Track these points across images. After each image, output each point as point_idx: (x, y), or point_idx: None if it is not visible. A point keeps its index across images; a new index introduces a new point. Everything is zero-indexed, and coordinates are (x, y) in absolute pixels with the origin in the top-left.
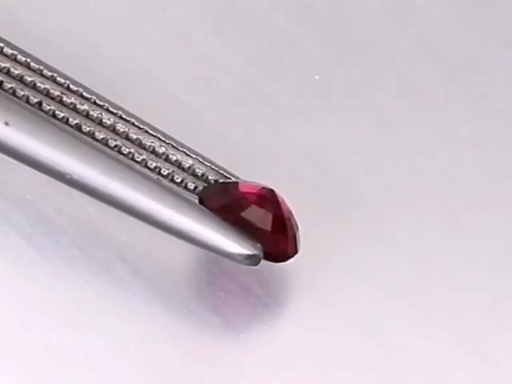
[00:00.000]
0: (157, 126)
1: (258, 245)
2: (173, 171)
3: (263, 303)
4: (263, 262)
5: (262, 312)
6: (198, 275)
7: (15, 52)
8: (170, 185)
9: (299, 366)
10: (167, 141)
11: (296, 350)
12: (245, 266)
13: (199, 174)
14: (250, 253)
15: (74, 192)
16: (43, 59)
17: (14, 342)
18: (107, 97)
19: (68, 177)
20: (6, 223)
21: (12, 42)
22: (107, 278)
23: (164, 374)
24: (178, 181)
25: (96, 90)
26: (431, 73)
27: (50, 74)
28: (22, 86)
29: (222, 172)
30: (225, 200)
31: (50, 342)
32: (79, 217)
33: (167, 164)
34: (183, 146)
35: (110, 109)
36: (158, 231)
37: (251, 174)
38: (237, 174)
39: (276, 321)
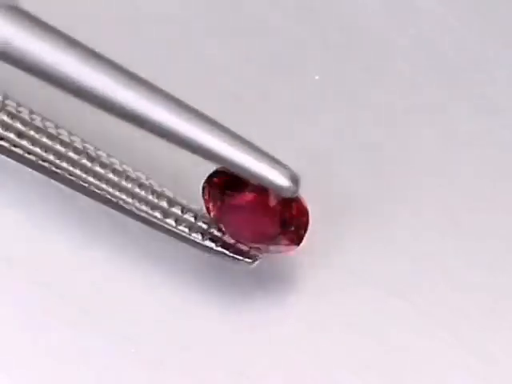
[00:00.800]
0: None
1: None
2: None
3: (263, 303)
4: (263, 263)
5: (262, 312)
6: (198, 276)
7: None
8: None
9: (299, 366)
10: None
11: (296, 350)
12: (244, 265)
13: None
14: (289, 183)
15: (75, 193)
16: None
17: (14, 342)
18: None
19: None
20: (5, 223)
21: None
22: (107, 278)
23: (164, 375)
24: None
25: None
26: (431, 73)
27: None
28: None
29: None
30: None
31: (50, 342)
32: (79, 219)
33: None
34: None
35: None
36: (157, 233)
37: None
38: None
39: (276, 321)
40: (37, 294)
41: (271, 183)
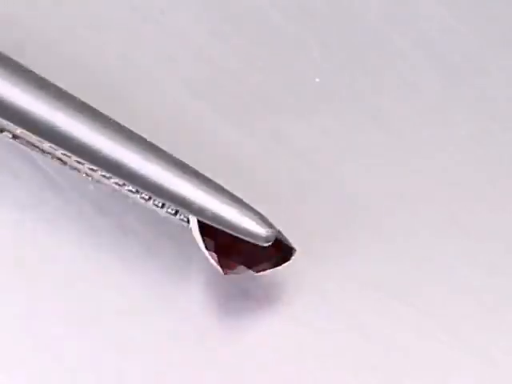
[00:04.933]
0: (156, 128)
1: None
2: None
3: (263, 305)
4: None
5: (262, 314)
6: (198, 278)
7: None
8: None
9: (300, 367)
10: None
11: (296, 351)
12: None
13: None
14: (267, 233)
15: (75, 194)
16: (43, 61)
17: (14, 342)
18: (107, 99)
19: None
20: (6, 225)
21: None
22: (107, 279)
23: (164, 373)
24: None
25: (95, 92)
26: (431, 74)
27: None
28: None
29: None
30: None
31: (50, 342)
32: (79, 217)
33: None
34: None
35: None
36: (158, 231)
37: (251, 176)
38: (237, 177)
39: (276, 323)
40: (37, 293)
41: (248, 233)
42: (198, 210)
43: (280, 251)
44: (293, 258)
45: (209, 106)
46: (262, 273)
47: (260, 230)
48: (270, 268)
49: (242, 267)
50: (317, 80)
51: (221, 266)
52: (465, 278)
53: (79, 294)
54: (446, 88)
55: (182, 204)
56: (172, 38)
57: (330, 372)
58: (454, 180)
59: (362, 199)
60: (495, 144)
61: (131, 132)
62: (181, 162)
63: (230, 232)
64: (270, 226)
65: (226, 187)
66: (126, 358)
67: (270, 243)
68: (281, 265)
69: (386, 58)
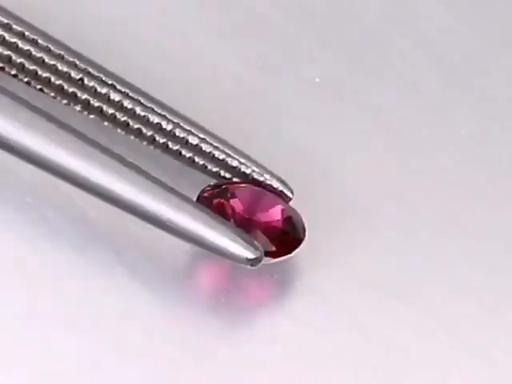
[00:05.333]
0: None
1: (260, 246)
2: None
3: (263, 305)
4: (263, 264)
5: (262, 314)
6: (199, 277)
7: (23, 29)
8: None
9: (300, 367)
10: (187, 127)
11: (296, 351)
12: (245, 267)
13: (220, 158)
14: (252, 256)
15: (75, 194)
16: None
17: (14, 342)
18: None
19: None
20: (6, 226)
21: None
22: (107, 281)
23: (164, 376)
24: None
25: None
26: (431, 74)
27: (58, 52)
28: (30, 62)
29: (241, 159)
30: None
31: (50, 342)
32: (79, 219)
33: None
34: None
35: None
36: (158, 234)
37: None
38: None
39: (276, 322)
40: (37, 294)
41: (232, 256)
42: (179, 233)
43: (290, 239)
44: (300, 247)
45: (207, 105)
46: (272, 261)
47: (244, 253)
48: (280, 256)
49: None
50: (317, 80)
51: None
52: (465, 277)
53: (79, 296)
54: (446, 88)
55: (163, 226)
56: (171, 37)
57: (330, 372)
58: (454, 180)
59: (362, 199)
60: (495, 144)
61: (110, 151)
62: (160, 181)
63: (215, 254)
64: (256, 248)
65: None
66: (125, 362)
67: (256, 267)
68: (291, 252)
69: (386, 58)
